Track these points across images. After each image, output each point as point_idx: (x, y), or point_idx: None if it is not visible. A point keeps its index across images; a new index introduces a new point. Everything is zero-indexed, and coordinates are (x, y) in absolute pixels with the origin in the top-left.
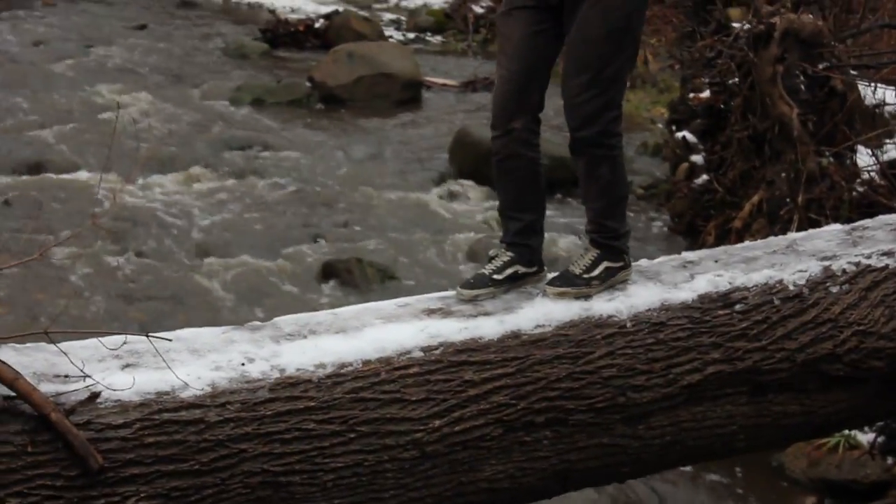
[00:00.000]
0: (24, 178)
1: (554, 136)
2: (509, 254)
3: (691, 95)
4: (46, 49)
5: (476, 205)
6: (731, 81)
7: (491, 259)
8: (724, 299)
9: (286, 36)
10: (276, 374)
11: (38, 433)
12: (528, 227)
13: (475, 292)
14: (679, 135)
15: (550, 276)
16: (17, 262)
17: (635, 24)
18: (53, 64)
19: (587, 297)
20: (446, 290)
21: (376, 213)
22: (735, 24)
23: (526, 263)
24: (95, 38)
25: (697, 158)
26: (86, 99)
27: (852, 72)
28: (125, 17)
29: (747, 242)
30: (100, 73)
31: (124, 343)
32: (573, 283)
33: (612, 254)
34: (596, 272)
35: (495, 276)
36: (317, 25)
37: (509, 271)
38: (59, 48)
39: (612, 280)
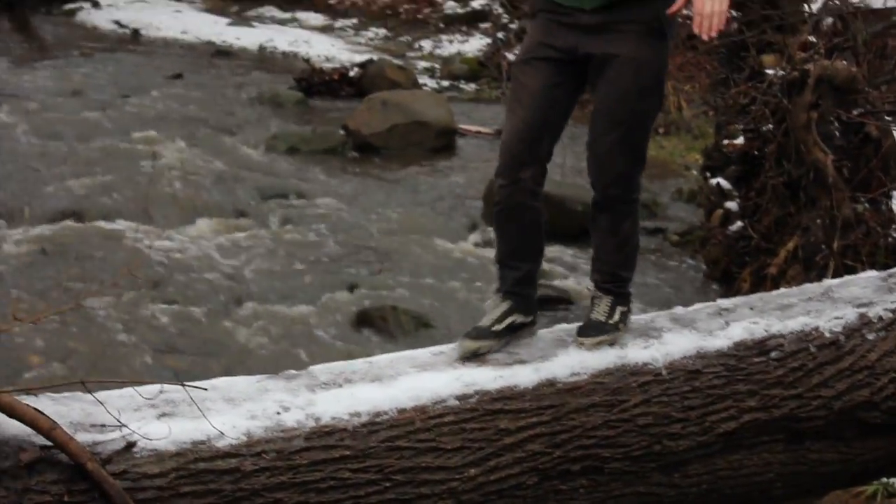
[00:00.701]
0: (61, 226)
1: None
2: (507, 303)
3: (725, 142)
4: (83, 98)
5: None
6: (765, 128)
7: (488, 310)
8: (760, 347)
9: (321, 85)
10: (312, 423)
11: (74, 482)
12: (526, 277)
13: (477, 345)
14: (713, 181)
15: (563, 326)
16: (53, 312)
17: (664, 75)
18: (90, 113)
19: (622, 344)
20: None
21: (411, 260)
22: (769, 71)
23: (523, 313)
24: (132, 87)
25: (732, 205)
26: (122, 148)
27: (887, 118)
28: (161, 66)
29: (783, 289)
30: (136, 121)
31: (160, 392)
32: (606, 331)
33: (623, 299)
34: (616, 317)
35: (495, 328)
36: (351, 74)
37: (508, 321)
38: (96, 97)
39: (627, 322)
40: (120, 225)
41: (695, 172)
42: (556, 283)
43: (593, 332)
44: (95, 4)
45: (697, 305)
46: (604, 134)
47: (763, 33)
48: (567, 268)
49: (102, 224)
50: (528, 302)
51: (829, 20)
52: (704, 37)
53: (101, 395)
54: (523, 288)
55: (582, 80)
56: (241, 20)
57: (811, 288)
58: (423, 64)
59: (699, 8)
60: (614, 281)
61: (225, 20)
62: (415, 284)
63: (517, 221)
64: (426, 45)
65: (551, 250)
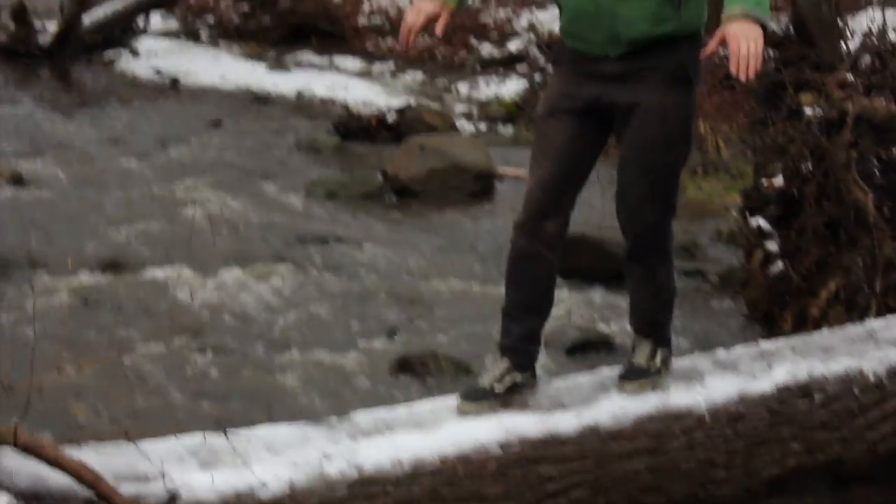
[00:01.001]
0: (102, 276)
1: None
2: (506, 361)
3: (764, 182)
4: (123, 146)
5: (556, 293)
6: (804, 168)
7: (488, 366)
8: (803, 390)
9: (358, 130)
10: (354, 472)
11: None
12: (531, 333)
13: (477, 407)
14: (753, 222)
15: (605, 370)
16: (96, 362)
17: (691, 122)
18: (130, 161)
19: (664, 388)
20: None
21: (451, 305)
22: (807, 110)
23: (522, 370)
24: (171, 135)
25: (772, 246)
26: (161, 196)
27: None
28: (200, 113)
29: (825, 330)
30: (176, 169)
31: (202, 442)
32: (647, 376)
33: (664, 342)
34: (658, 361)
35: (496, 389)
36: (389, 120)
37: (508, 381)
38: (136, 145)
39: (669, 365)
40: (161, 273)
41: (734, 213)
42: (597, 326)
43: (635, 376)
44: (134, 53)
45: (739, 348)
46: (632, 184)
47: (801, 72)
48: (608, 311)
49: (143, 272)
50: (529, 358)
51: (867, 58)
52: (742, 78)
53: (144, 445)
54: (526, 343)
55: (607, 129)
56: (278, 65)
57: (853, 329)
58: (460, 107)
59: (735, 49)
60: (653, 326)
61: (263, 65)
62: (455, 330)
63: (532, 272)
64: (463, 88)
65: (591, 293)
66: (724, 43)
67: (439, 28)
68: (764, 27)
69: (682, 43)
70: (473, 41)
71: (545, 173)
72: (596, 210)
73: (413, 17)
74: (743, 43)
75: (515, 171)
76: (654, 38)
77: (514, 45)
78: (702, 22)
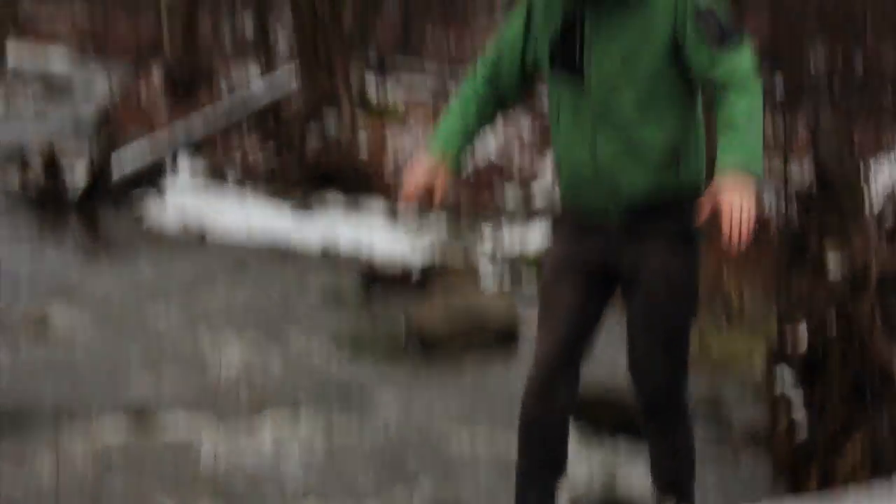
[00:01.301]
0: (125, 429)
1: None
2: None
3: (788, 337)
4: (148, 292)
5: (578, 450)
6: (828, 324)
7: None
8: None
9: (383, 283)
10: None
11: None
12: (548, 491)
13: None
14: (777, 376)
15: None
16: None
17: (697, 278)
18: (155, 309)
19: None
20: None
21: (475, 459)
22: (831, 258)
23: None
24: (197, 281)
25: (797, 401)
26: (186, 345)
27: None
28: (227, 261)
29: (851, 490)
30: (201, 318)
31: None
32: None
33: (687, 499)
34: None
35: None
36: (414, 276)
37: None
38: (162, 291)
39: None
40: (184, 425)
41: (759, 364)
42: (620, 484)
43: None
44: (161, 194)
45: None
46: (641, 344)
47: (824, 223)
48: (631, 468)
49: (167, 424)
50: None
51: (890, 209)
52: (734, 246)
53: None
54: (544, 502)
55: (613, 282)
56: (304, 208)
57: (879, 490)
58: (484, 256)
59: (727, 214)
60: (674, 486)
61: (288, 208)
62: (480, 484)
63: (545, 434)
64: (488, 233)
65: (614, 449)
66: (717, 207)
67: (437, 194)
68: (757, 180)
69: (682, 202)
70: (497, 186)
71: (554, 338)
72: (621, 360)
73: (409, 185)
74: (736, 208)
75: None
76: (655, 199)
77: (538, 188)
78: (701, 179)
